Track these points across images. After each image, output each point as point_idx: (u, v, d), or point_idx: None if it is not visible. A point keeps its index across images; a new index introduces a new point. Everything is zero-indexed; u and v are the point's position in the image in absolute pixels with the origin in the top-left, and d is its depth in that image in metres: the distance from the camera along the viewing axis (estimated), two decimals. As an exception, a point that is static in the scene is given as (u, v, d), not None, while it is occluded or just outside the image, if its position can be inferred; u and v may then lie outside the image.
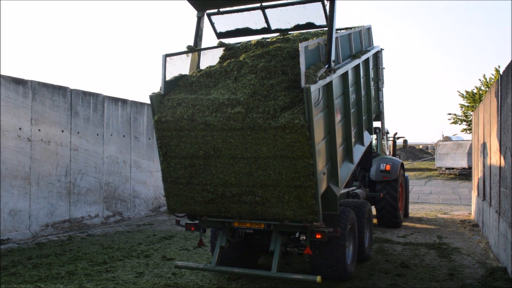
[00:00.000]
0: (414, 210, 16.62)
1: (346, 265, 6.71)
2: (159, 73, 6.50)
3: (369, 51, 8.92)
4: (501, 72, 8.15)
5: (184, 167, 6.15)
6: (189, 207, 6.40)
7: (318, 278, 5.76)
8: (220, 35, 7.71)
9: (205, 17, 7.43)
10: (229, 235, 6.63)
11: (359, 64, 7.78)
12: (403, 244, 9.97)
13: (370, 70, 9.06)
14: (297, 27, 7.50)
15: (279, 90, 5.83)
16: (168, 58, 6.56)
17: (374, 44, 9.94)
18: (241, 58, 6.66)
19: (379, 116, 11.08)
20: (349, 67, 7.07)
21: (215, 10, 7.38)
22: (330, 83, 6.06)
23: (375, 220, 12.29)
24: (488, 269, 7.54)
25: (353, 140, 7.38)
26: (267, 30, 7.60)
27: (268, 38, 7.93)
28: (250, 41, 7.48)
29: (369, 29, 9.47)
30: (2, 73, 9.97)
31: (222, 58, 7.23)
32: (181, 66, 6.89)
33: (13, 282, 6.79)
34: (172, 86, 6.56)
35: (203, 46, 7.45)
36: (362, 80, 8.07)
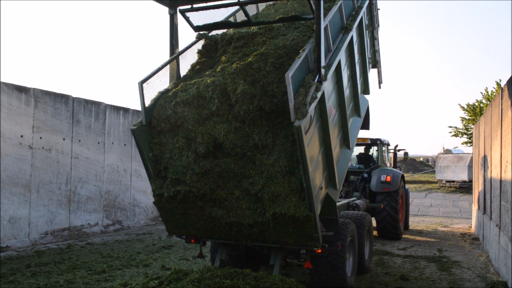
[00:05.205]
0: (415, 222, 16.57)
1: (346, 277, 6.68)
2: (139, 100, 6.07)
3: (362, 7, 8.16)
4: (502, 86, 8.18)
5: (177, 201, 5.94)
6: (187, 231, 6.35)
7: None
8: (197, 28, 7.08)
9: (179, 13, 6.87)
10: (229, 249, 6.62)
11: (352, 36, 7.22)
12: (403, 256, 9.94)
13: (364, 22, 8.35)
14: (281, 19, 6.91)
15: (264, 138, 5.66)
16: (144, 84, 6.06)
17: None
18: (219, 69, 6.21)
19: (376, 65, 10.39)
20: (341, 53, 6.59)
21: (188, 6, 6.75)
22: (322, 94, 5.74)
23: (375, 232, 12.25)
24: (489, 283, 7.50)
25: (348, 122, 7.11)
26: (248, 23, 6.89)
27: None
28: (231, 33, 7.00)
29: None
30: (5, 81, 10.03)
31: (201, 54, 7.00)
32: (159, 86, 6.46)
33: (12, 290, 6.76)
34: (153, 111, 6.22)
35: (182, 39, 6.99)
36: (355, 46, 7.53)
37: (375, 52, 10.04)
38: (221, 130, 5.76)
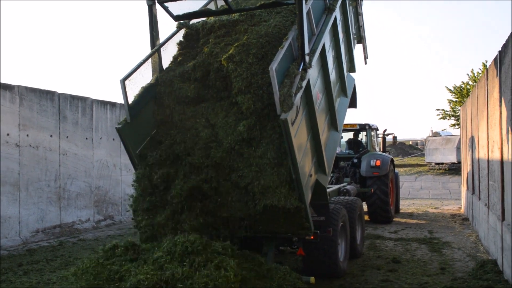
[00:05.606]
0: (405, 205, 16.72)
1: (339, 262, 6.74)
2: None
3: None
4: (487, 67, 8.23)
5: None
6: None
7: (312, 279, 5.74)
8: (177, 17, 6.98)
9: (157, 4, 6.76)
10: (221, 240, 6.64)
11: (335, 16, 7.06)
12: (395, 239, 10.03)
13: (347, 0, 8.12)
14: (262, 5, 6.70)
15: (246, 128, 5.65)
16: (126, 81, 6.02)
17: None
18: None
19: (361, 41, 10.13)
20: (325, 36, 6.46)
21: None
22: (307, 82, 5.66)
23: (366, 217, 12.35)
24: (479, 262, 7.61)
25: (335, 104, 7.05)
26: (228, 10, 6.79)
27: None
28: (212, 21, 6.90)
29: None
30: (-13, 79, 9.86)
31: (182, 45, 6.93)
32: (141, 81, 6.41)
33: (4, 290, 6.73)
34: (137, 108, 6.23)
35: (163, 30, 6.94)
36: (339, 25, 7.35)
37: (359, 27, 9.78)
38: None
